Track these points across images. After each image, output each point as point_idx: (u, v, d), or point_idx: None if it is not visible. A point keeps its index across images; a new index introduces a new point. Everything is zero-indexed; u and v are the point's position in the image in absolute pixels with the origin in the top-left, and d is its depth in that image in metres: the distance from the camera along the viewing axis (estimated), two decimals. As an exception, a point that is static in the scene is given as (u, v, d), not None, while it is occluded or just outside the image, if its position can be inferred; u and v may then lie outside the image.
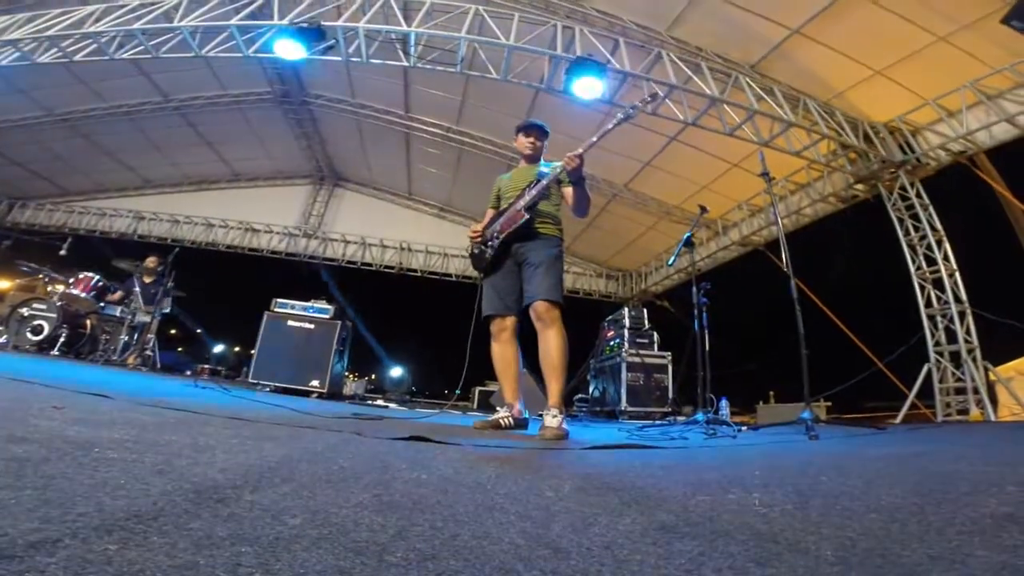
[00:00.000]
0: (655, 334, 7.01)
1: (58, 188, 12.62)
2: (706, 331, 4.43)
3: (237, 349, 12.38)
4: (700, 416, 3.80)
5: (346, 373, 7.30)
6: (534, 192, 2.94)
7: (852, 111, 6.90)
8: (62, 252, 7.17)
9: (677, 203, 9.79)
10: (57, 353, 5.86)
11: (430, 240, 13.09)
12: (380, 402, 6.13)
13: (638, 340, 6.85)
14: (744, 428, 3.93)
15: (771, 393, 8.35)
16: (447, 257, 13.03)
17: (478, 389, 9.03)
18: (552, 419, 2.62)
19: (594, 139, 2.91)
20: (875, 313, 8.66)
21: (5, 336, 5.81)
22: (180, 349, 13.73)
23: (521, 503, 0.92)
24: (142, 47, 6.36)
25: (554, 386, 2.79)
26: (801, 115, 6.63)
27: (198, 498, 0.73)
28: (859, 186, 7.32)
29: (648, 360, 6.56)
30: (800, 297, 3.44)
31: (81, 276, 6.46)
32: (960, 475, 1.24)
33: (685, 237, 4.67)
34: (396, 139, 10.91)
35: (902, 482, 1.18)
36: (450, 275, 13.00)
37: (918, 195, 6.68)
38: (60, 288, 6.36)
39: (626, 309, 7.36)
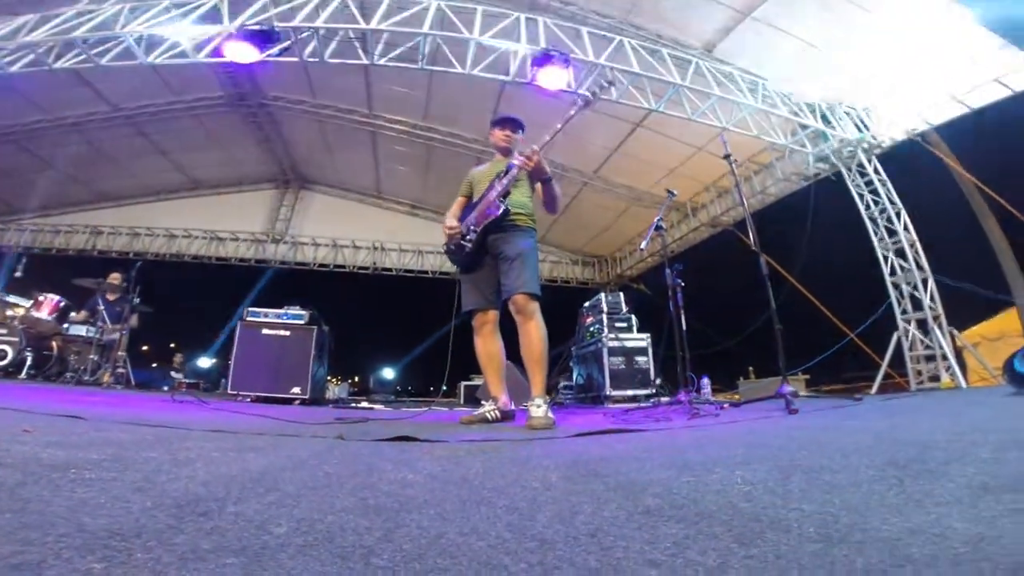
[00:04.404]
0: (633, 317, 7.09)
1: (6, 205, 12.02)
2: (682, 311, 4.50)
3: (214, 360, 12.11)
4: (682, 396, 3.87)
5: (328, 377, 7.21)
6: (504, 181, 2.96)
7: (808, 92, 7.05)
8: (17, 274, 6.87)
9: (646, 188, 9.89)
10: (24, 377, 5.66)
11: (403, 238, 12.96)
12: (365, 404, 6.07)
13: (617, 324, 6.91)
14: (726, 405, 4.01)
15: (750, 369, 8.57)
16: (422, 254, 12.93)
17: (463, 384, 8.99)
18: (537, 409, 2.63)
19: (558, 126, 2.95)
20: (845, 285, 8.94)
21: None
22: (155, 365, 13.36)
23: (507, 496, 0.92)
24: (83, 56, 6.06)
25: (537, 376, 2.82)
26: (760, 98, 6.75)
27: (180, 513, 0.72)
28: (820, 164, 7.52)
29: (628, 344, 6.63)
30: (771, 273, 3.53)
31: (42, 298, 6.22)
32: (936, 444, 1.27)
33: (655, 223, 4.73)
34: (362, 138, 10.72)
35: (881, 454, 1.21)
36: (426, 272, 12.92)
37: (875, 171, 6.93)
38: (20, 311, 6.12)
39: (603, 294, 7.42)
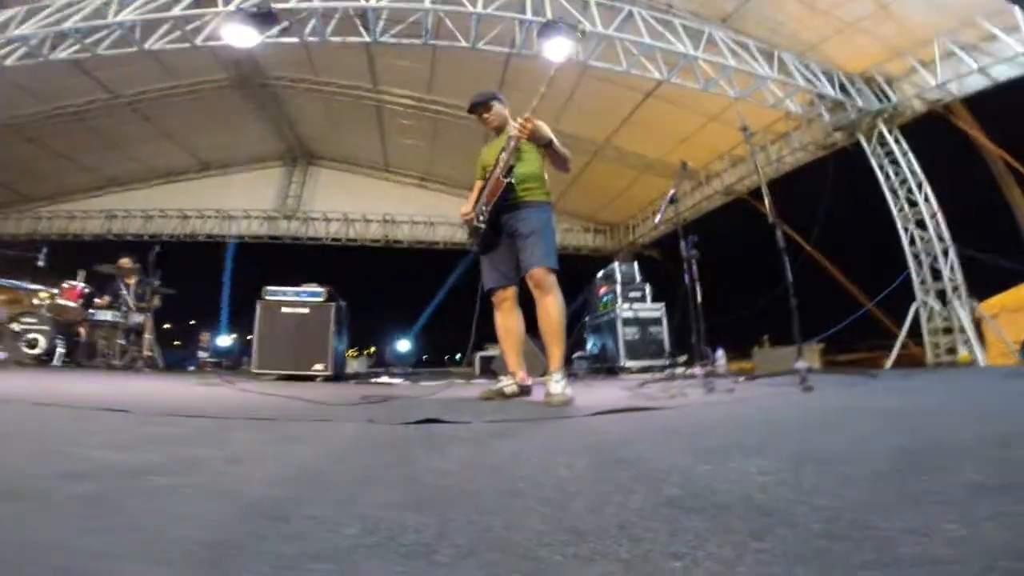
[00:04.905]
0: (647, 287, 7.07)
1: (19, 195, 12.11)
2: (696, 283, 4.50)
3: (233, 337, 12.40)
4: (698, 370, 3.91)
5: (347, 351, 7.35)
6: (506, 156, 2.93)
7: (827, 62, 6.82)
8: (40, 263, 6.97)
9: (659, 156, 9.74)
10: (59, 364, 5.79)
11: (414, 210, 12.94)
12: (385, 379, 6.21)
13: (631, 294, 6.91)
14: (741, 378, 4.03)
15: (765, 337, 8.54)
16: (432, 226, 12.91)
17: (479, 355, 9.09)
18: (556, 384, 2.66)
19: (542, 89, 2.87)
20: (864, 254, 8.79)
21: (4, 352, 5.69)
22: (176, 343, 13.71)
23: (539, 486, 0.98)
24: (78, 46, 5.99)
25: (555, 350, 2.86)
26: (777, 68, 6.55)
27: (255, 518, 0.77)
28: (838, 134, 7.31)
29: (642, 314, 6.65)
30: (787, 243, 3.50)
31: (66, 285, 6.32)
32: (943, 435, 1.30)
33: (669, 195, 4.68)
34: (367, 113, 10.60)
35: (889, 444, 1.23)
36: (437, 243, 12.95)
37: (896, 141, 6.72)
38: (47, 299, 6.26)
39: (616, 264, 7.40)
